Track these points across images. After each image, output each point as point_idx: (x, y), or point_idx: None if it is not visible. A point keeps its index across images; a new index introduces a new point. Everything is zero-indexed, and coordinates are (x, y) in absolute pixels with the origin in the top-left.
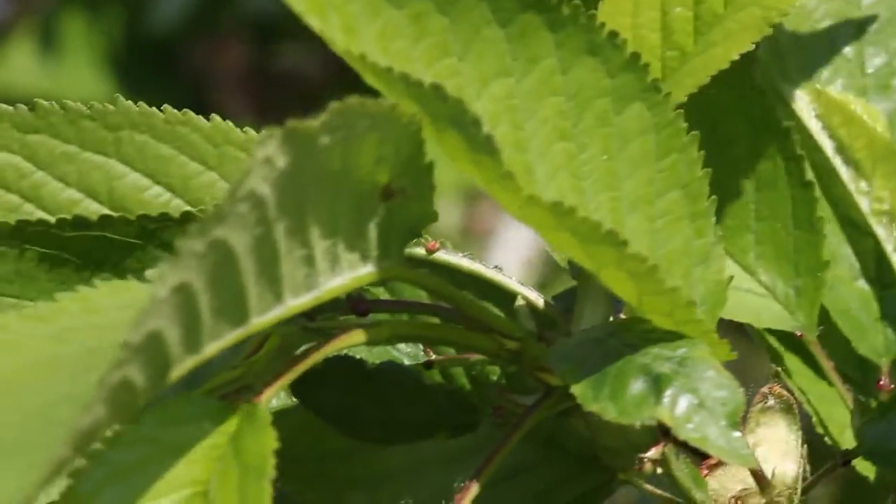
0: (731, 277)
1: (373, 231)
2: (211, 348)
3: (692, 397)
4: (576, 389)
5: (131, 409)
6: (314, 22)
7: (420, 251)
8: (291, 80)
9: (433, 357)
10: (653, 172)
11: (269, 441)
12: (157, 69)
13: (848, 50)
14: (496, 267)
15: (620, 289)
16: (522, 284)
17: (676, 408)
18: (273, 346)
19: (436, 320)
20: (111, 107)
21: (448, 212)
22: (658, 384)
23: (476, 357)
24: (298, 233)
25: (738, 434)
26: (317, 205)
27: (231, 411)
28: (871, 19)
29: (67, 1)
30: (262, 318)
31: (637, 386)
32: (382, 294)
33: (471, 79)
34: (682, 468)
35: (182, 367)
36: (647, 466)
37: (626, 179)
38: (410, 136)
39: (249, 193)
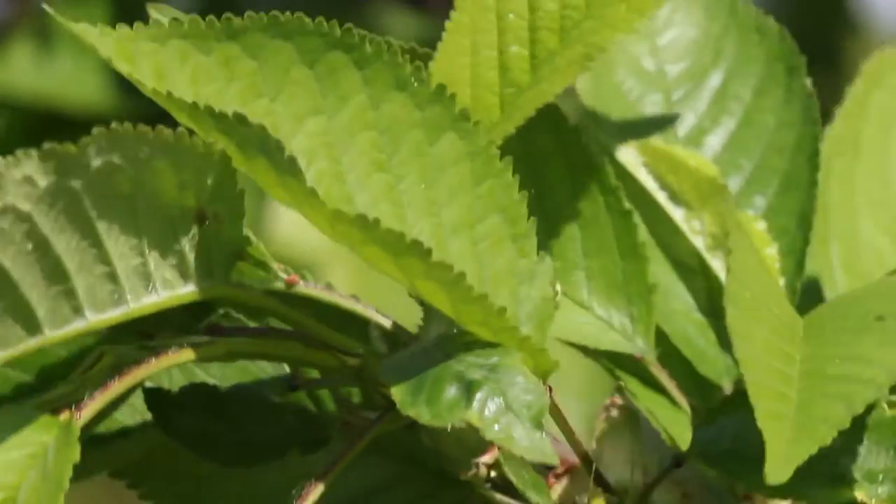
0: (557, 293)
1: (189, 252)
2: (0, 356)
3: (500, 401)
4: (395, 395)
5: None
6: (123, 67)
7: (280, 285)
8: None
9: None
10: (471, 198)
11: (73, 454)
12: None
13: (659, 117)
14: (353, 296)
15: (435, 299)
16: (375, 311)
17: (486, 410)
18: (107, 363)
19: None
20: None
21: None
22: (469, 389)
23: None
24: (92, 249)
25: (541, 434)
26: (112, 224)
27: (51, 423)
28: (678, 89)
29: (68, 1)
30: (60, 331)
31: (451, 391)
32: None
33: (284, 118)
34: (520, 473)
35: None
36: (483, 471)
37: (446, 206)
38: (215, 164)
39: (6, 208)
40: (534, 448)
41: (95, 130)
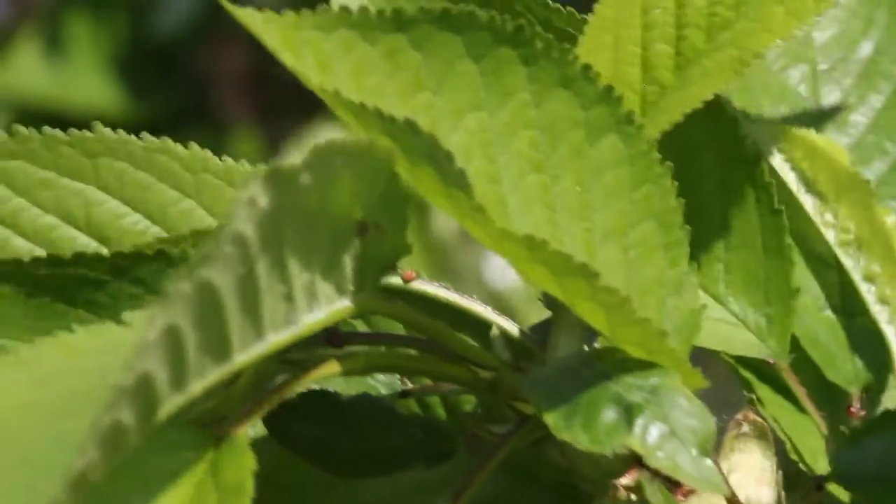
0: (705, 307)
1: (348, 266)
2: (196, 386)
3: (663, 426)
4: (548, 418)
5: (122, 449)
6: (288, 59)
7: (397, 280)
8: (293, 83)
9: (409, 387)
10: (626, 203)
11: (249, 463)
12: (160, 72)
13: (803, 88)
14: (471, 296)
15: (593, 319)
16: (498, 314)
17: (648, 436)
18: (248, 379)
19: (411, 351)
20: (89, 133)
21: (447, 218)
22: (629, 413)
23: (452, 387)
24: (278, 269)
25: (709, 462)
26: (294, 242)
27: (210, 441)
28: (824, 59)
29: (71, 4)
30: (245, 356)
31: (609, 415)
32: (361, 326)
33: (445, 113)
34: (656, 494)
35: (169, 405)
36: (622, 493)
37: (600, 211)
38: (384, 171)
39: (234, 234)
40: (701, 477)
41: (314, 145)
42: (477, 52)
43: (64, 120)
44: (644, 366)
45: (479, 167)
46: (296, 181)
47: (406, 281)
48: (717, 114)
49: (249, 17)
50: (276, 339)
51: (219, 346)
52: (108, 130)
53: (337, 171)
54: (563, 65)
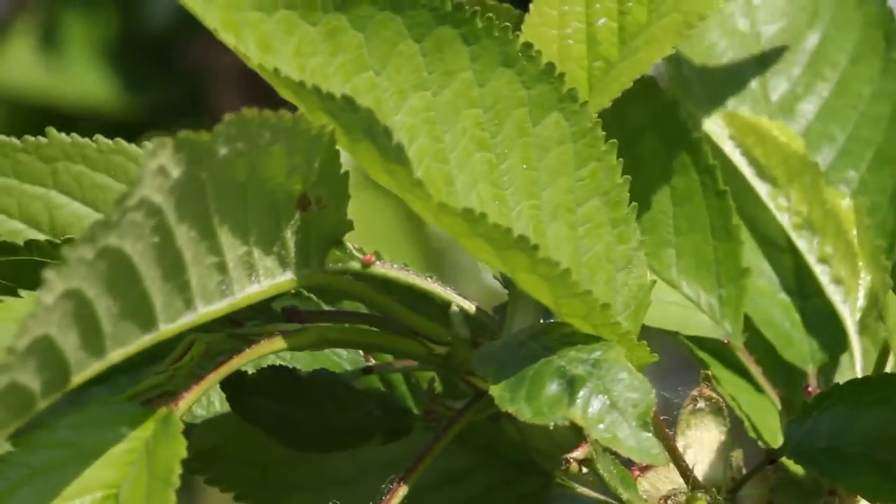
0: (654, 282)
1: (290, 239)
2: (117, 353)
3: (605, 398)
4: (494, 391)
5: (29, 411)
6: (229, 39)
7: (356, 265)
8: None
9: (372, 363)
10: (573, 181)
11: (179, 449)
12: (154, 66)
13: (752, 80)
14: (429, 276)
15: (538, 293)
16: (456, 293)
17: (589, 408)
18: (198, 353)
19: (368, 328)
20: (44, 140)
21: None
22: (572, 385)
23: (413, 364)
24: (205, 240)
25: (648, 434)
26: (225, 213)
27: (148, 416)
28: (772, 51)
29: None
30: (173, 325)
31: (552, 387)
32: (326, 307)
33: (389, 93)
34: (609, 468)
35: (86, 371)
36: (574, 466)
37: (547, 188)
38: (323, 146)
39: (142, 201)
40: (641, 449)
41: (227, 117)
42: (418, 32)
43: (58, 114)
44: (589, 340)
45: (425, 146)
46: (211, 152)
47: (365, 265)
48: (656, 99)
49: (190, 0)
50: (209, 309)
51: (140, 314)
52: (62, 136)
53: (263, 145)
54: (504, 43)
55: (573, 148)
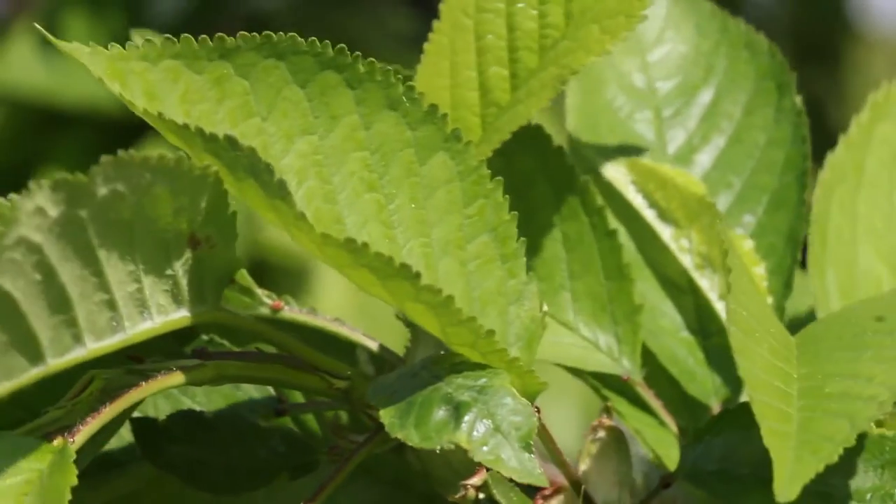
0: (545, 314)
1: (183, 277)
2: (4, 386)
3: (489, 422)
4: (384, 418)
5: None
6: (115, 88)
7: (265, 310)
8: None
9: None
10: (461, 218)
11: (70, 478)
12: None
13: (649, 133)
14: (337, 319)
15: (426, 322)
16: (362, 334)
17: (474, 432)
18: (97, 388)
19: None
20: None
21: None
22: (458, 411)
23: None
24: (93, 278)
25: (530, 455)
26: (112, 251)
27: (45, 449)
28: (668, 105)
29: (83, 7)
30: (61, 360)
31: (439, 413)
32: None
33: (276, 137)
34: (507, 495)
35: None
36: (471, 493)
37: (436, 226)
38: (208, 188)
39: (20, 240)
40: (522, 469)
41: (103, 159)
42: (302, 78)
43: (58, 114)
44: (477, 367)
45: (314, 188)
46: (89, 192)
47: (274, 310)
48: (544, 146)
49: (77, 50)
50: (99, 345)
51: (26, 348)
52: None
53: (147, 186)
54: (387, 86)
55: (460, 186)
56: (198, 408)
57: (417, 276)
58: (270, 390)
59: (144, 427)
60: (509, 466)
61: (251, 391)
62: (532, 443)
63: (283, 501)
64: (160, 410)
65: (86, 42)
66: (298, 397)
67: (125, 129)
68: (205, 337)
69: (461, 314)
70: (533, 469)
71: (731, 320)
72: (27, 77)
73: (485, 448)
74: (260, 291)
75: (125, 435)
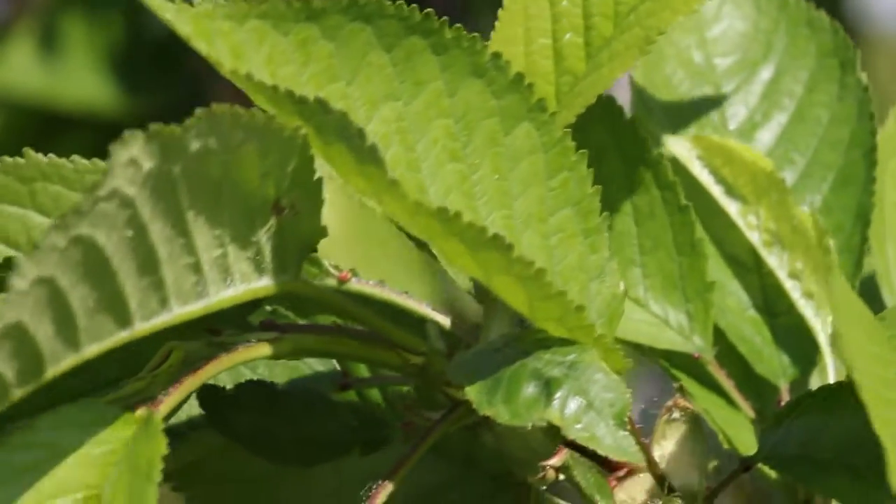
0: (626, 291)
1: (266, 245)
2: (92, 349)
3: (581, 399)
4: (470, 394)
5: (2, 399)
6: (201, 46)
7: (332, 281)
8: None
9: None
10: (544, 191)
11: (159, 447)
12: (156, 69)
13: (710, 110)
14: (406, 293)
15: (512, 296)
16: (432, 308)
17: (566, 409)
18: (177, 360)
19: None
20: (22, 160)
21: None
22: (549, 387)
23: (390, 377)
24: (180, 238)
25: (625, 433)
26: (199, 212)
27: (129, 419)
28: (728, 82)
29: (67, 1)
30: (148, 324)
31: (529, 389)
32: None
33: (359, 102)
34: (586, 476)
35: (60, 364)
36: (550, 474)
37: (519, 198)
38: (297, 151)
39: (113, 192)
40: (618, 447)
41: (198, 111)
42: (388, 42)
43: (58, 117)
44: (564, 343)
45: (398, 155)
46: (184, 146)
47: (342, 281)
48: (616, 118)
49: (161, 7)
50: (184, 310)
51: (115, 309)
52: (39, 156)
53: (236, 144)
54: (473, 54)
55: (544, 158)
56: (263, 378)
57: (510, 247)
58: (334, 364)
59: (212, 396)
60: (605, 444)
61: (315, 364)
62: (626, 420)
63: (352, 476)
64: (221, 381)
65: (86, 44)
66: (363, 371)
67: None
68: (268, 308)
69: (552, 287)
70: (629, 446)
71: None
72: (26, 79)
73: (578, 426)
74: (327, 262)
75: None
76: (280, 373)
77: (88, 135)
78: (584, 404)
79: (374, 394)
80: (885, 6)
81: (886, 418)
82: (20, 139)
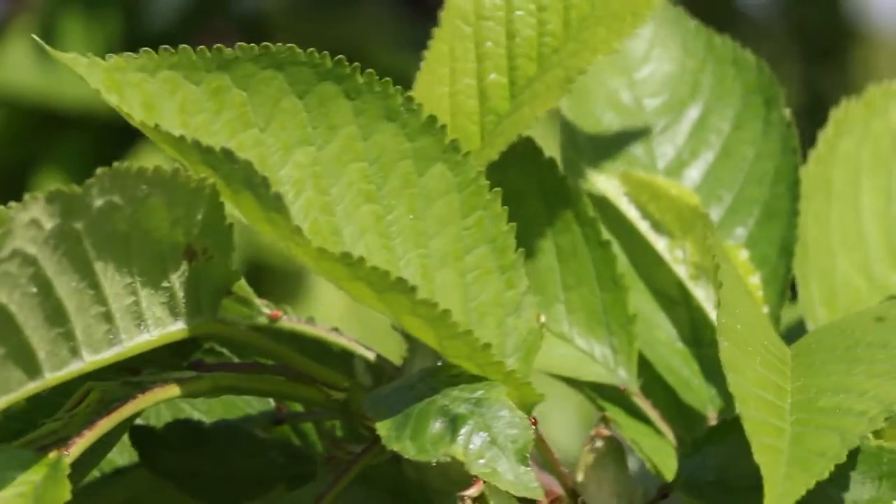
0: (543, 325)
1: (180, 289)
2: (1, 400)
3: (485, 435)
4: (381, 430)
5: None
6: (113, 99)
7: (263, 320)
8: None
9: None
10: (459, 229)
11: (63, 493)
12: None
13: (639, 149)
14: (335, 329)
15: (423, 335)
16: (359, 344)
17: (470, 445)
18: (93, 400)
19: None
20: None
21: None
22: (455, 423)
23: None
24: (89, 290)
25: (526, 468)
26: (108, 264)
27: (40, 461)
28: (656, 122)
29: (82, 12)
30: (59, 373)
31: (435, 426)
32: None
33: (273, 148)
34: None
35: None
36: None
37: (434, 237)
38: (205, 200)
39: (14, 253)
40: (518, 483)
41: (99, 171)
42: (300, 89)
43: (55, 116)
44: (474, 379)
45: (312, 199)
46: (85, 204)
47: (272, 319)
48: (535, 159)
49: (73, 60)
50: (96, 358)
51: (23, 361)
52: None
53: (144, 198)
54: (386, 97)
55: (458, 197)
56: (198, 415)
57: (413, 289)
58: (270, 400)
59: (143, 435)
60: (505, 480)
61: (251, 400)
62: (528, 456)
63: None
64: (161, 417)
65: (84, 43)
66: (298, 407)
67: (122, 130)
68: (205, 347)
69: (457, 327)
70: (529, 482)
71: (721, 334)
72: (24, 78)
73: (481, 461)
74: (258, 301)
75: (125, 441)
76: (217, 409)
77: (86, 133)
78: (488, 440)
79: (309, 429)
80: (885, 6)
81: (768, 446)
82: (18, 138)
